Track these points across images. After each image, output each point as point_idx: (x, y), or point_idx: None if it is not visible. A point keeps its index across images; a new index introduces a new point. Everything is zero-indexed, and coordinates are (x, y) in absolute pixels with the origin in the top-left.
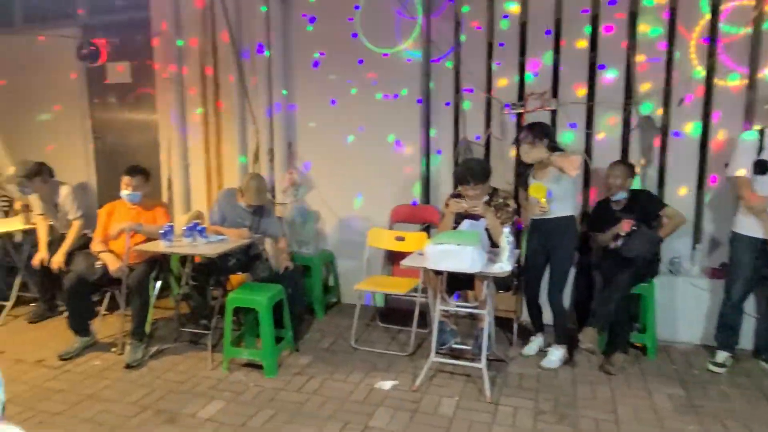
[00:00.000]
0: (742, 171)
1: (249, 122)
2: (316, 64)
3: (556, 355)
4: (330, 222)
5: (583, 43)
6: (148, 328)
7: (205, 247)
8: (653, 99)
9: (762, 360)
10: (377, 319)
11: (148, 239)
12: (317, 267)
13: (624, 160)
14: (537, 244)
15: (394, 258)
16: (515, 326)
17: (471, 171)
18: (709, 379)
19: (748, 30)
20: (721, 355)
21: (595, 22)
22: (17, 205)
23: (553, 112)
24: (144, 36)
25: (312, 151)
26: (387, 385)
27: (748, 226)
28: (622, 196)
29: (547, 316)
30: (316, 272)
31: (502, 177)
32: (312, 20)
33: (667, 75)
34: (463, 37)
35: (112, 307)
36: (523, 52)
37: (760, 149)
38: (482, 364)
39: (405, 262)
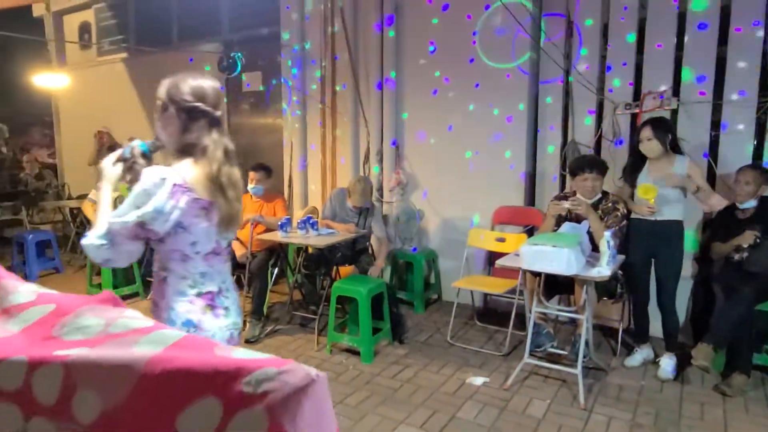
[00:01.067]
0: None
1: (362, 126)
2: (435, 91)
3: (670, 364)
4: (434, 221)
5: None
6: (265, 310)
7: (315, 239)
8: None
9: None
10: (475, 318)
11: (269, 229)
12: (419, 264)
13: (757, 164)
14: (641, 248)
15: (494, 259)
16: (620, 335)
17: (591, 160)
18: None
19: None
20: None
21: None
22: None
23: (674, 112)
24: (275, 48)
25: (419, 152)
26: (478, 381)
27: None
28: (750, 204)
29: (655, 329)
30: (418, 269)
31: (611, 180)
32: (432, 45)
33: None
34: (584, 51)
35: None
36: (641, 50)
37: None
38: (578, 370)
39: (501, 262)
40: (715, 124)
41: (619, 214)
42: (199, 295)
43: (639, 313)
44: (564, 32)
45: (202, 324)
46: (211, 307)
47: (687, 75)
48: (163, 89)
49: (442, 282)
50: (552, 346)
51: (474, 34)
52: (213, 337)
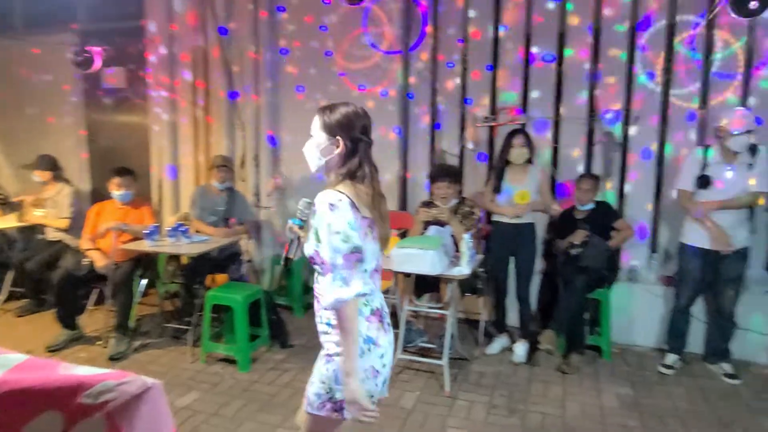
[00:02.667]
0: (685, 185)
1: (237, 128)
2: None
3: (522, 349)
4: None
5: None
6: (132, 323)
7: (187, 247)
8: (613, 115)
9: (709, 363)
10: None
11: (135, 238)
12: (298, 268)
13: (592, 173)
14: (502, 248)
15: None
16: (481, 327)
17: (445, 169)
18: (658, 380)
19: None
20: (670, 358)
21: (561, 41)
22: (29, 199)
23: (522, 126)
24: (138, 43)
25: (299, 156)
26: None
27: (694, 236)
28: (589, 206)
29: (512, 319)
30: (297, 273)
31: (473, 187)
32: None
33: (627, 95)
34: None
35: (100, 302)
36: (494, 67)
37: (704, 166)
38: (443, 361)
39: None
40: (555, 138)
41: (475, 217)
42: (372, 312)
43: (499, 306)
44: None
45: (378, 340)
46: (381, 323)
47: (534, 94)
48: (326, 122)
49: None
50: (423, 341)
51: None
52: (385, 353)
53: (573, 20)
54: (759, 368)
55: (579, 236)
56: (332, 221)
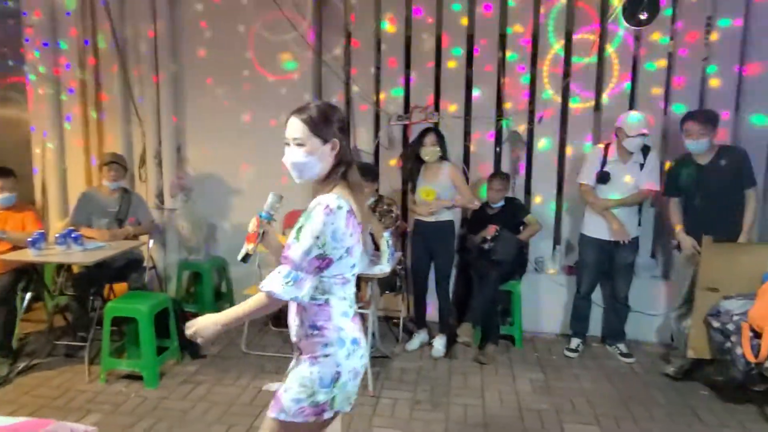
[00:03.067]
0: (586, 179)
1: (135, 124)
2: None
3: (441, 343)
4: (222, 228)
5: (453, 64)
6: (15, 344)
7: (80, 255)
8: (517, 116)
9: (607, 344)
10: (270, 323)
11: (16, 247)
12: (208, 273)
13: (502, 172)
14: (422, 245)
15: None
16: (401, 324)
17: (361, 168)
18: (564, 364)
19: (591, 59)
20: (574, 342)
21: (470, 42)
22: None
23: (435, 125)
24: (15, 27)
25: (204, 155)
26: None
27: (593, 228)
28: (500, 204)
29: (430, 314)
30: (207, 279)
31: (388, 185)
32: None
33: (531, 96)
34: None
35: None
36: (408, 65)
37: (604, 162)
38: (366, 361)
39: None
40: (467, 137)
41: (393, 215)
42: (355, 314)
43: (419, 302)
44: (343, 45)
45: (361, 342)
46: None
47: (445, 95)
48: (315, 125)
49: (235, 290)
50: None
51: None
52: (364, 353)
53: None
54: (649, 346)
55: (490, 230)
56: (319, 226)
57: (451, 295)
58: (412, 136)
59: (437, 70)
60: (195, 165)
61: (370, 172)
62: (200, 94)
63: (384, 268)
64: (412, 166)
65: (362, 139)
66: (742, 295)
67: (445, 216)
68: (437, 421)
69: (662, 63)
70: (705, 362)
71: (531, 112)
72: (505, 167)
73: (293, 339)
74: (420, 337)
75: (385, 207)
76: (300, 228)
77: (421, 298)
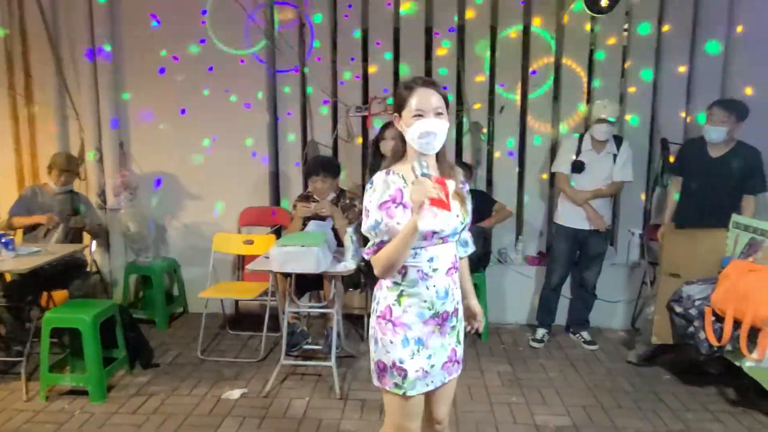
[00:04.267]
0: (562, 168)
1: (71, 117)
2: (162, 70)
3: None
4: (172, 227)
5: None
6: None
7: (12, 262)
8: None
9: (571, 333)
10: (227, 327)
11: None
12: (158, 276)
13: (465, 162)
14: None
15: (245, 263)
16: (365, 321)
17: (321, 163)
18: (531, 354)
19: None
20: (540, 332)
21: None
22: None
23: None
24: None
25: (150, 150)
26: (236, 393)
27: (567, 217)
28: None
29: None
30: (157, 282)
31: (349, 179)
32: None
33: (491, 87)
34: (317, 43)
35: None
36: (365, 58)
37: (579, 152)
38: (332, 362)
39: (250, 266)
40: None
41: (356, 210)
42: None
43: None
44: (297, 23)
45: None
46: None
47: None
48: (444, 93)
49: (188, 293)
50: (307, 343)
51: (203, 13)
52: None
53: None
54: (611, 332)
55: None
56: None
57: None
58: (372, 128)
59: (396, 62)
60: (140, 161)
61: (332, 167)
62: (144, 81)
63: (349, 264)
64: (374, 160)
65: (320, 131)
66: (703, 280)
67: None
68: None
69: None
70: (667, 347)
71: (491, 104)
72: (467, 159)
73: (455, 305)
74: None
75: (347, 201)
76: (468, 192)
77: None
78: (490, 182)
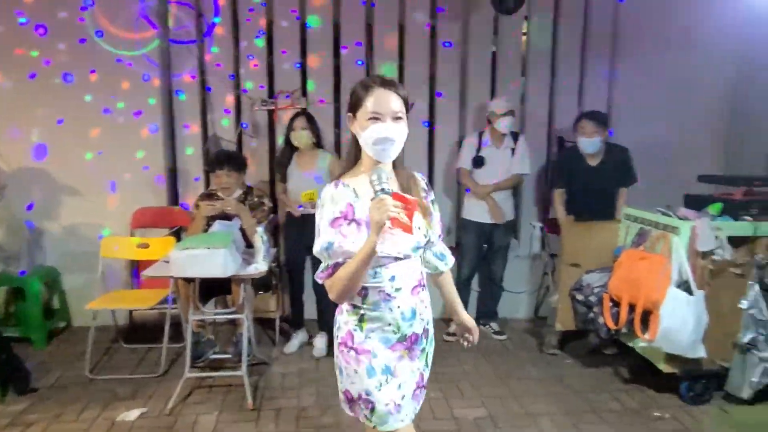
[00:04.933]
0: (464, 164)
1: None
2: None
3: (323, 342)
4: (50, 232)
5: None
6: None
7: None
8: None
9: (481, 324)
10: (120, 340)
11: None
12: (33, 288)
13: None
14: (297, 239)
15: (139, 268)
16: (277, 325)
17: (226, 156)
18: (446, 348)
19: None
20: (453, 326)
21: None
22: None
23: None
24: None
25: (19, 146)
26: (133, 414)
27: (472, 212)
28: None
29: (308, 312)
30: (32, 294)
31: (255, 175)
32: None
33: (400, 81)
34: (215, 49)
35: None
36: (270, 52)
37: (479, 148)
38: (243, 371)
39: (148, 272)
40: (338, 124)
41: (266, 208)
42: None
43: (296, 300)
44: (194, 23)
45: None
46: None
47: (311, 85)
48: (406, 99)
49: (71, 305)
50: (214, 353)
51: (83, 9)
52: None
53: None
54: (517, 322)
55: None
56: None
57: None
58: (279, 123)
59: (303, 57)
60: (9, 156)
61: (238, 161)
62: (16, 67)
63: (260, 266)
64: (283, 153)
65: (222, 126)
66: (600, 269)
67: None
68: (328, 427)
69: None
70: (568, 333)
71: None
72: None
73: (424, 325)
74: (299, 337)
75: (255, 199)
76: (433, 201)
77: (298, 295)
78: None
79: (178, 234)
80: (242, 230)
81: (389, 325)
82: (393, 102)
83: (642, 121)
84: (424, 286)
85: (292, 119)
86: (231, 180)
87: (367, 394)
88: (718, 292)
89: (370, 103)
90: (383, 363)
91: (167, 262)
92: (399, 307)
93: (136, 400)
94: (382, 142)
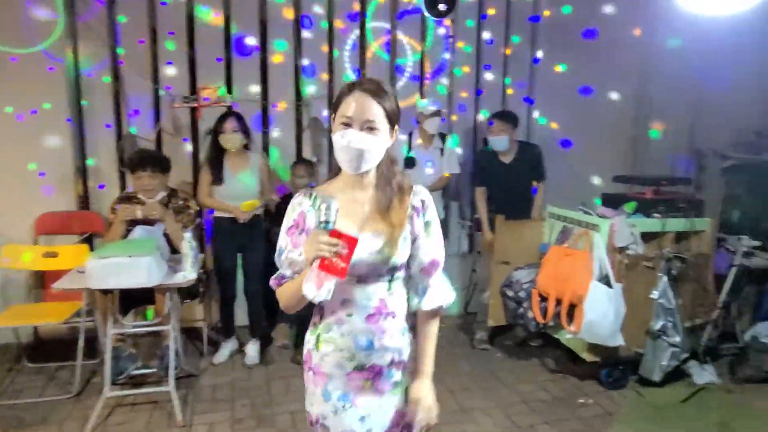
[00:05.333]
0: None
1: None
2: None
3: (255, 349)
4: None
5: (252, 41)
6: None
7: None
8: (318, 101)
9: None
10: (24, 359)
11: None
12: None
13: (306, 159)
14: (229, 245)
15: (45, 280)
16: (205, 335)
17: (149, 156)
18: None
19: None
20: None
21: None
22: None
23: (229, 108)
24: None
25: None
26: None
27: None
28: None
29: (239, 319)
30: None
31: (176, 177)
32: None
33: (330, 82)
34: (120, 50)
35: None
36: (191, 44)
37: (409, 149)
38: (170, 386)
39: (59, 285)
40: (266, 124)
41: (191, 211)
42: None
43: (227, 309)
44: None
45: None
46: None
47: (238, 78)
48: (390, 108)
49: None
50: (136, 368)
51: None
52: None
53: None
54: (448, 319)
55: None
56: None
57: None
58: (202, 121)
59: (227, 51)
60: None
61: (161, 161)
62: None
63: (188, 274)
64: (211, 155)
65: (139, 123)
66: (529, 265)
67: (255, 210)
68: None
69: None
70: (498, 328)
71: (331, 98)
72: (307, 155)
73: (393, 357)
74: (229, 346)
75: (180, 202)
76: (428, 223)
77: (229, 302)
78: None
79: (90, 241)
80: (166, 235)
81: (341, 350)
82: (369, 110)
83: (562, 124)
84: (390, 314)
85: (221, 121)
86: (154, 182)
87: (323, 418)
88: (633, 285)
89: (344, 106)
90: (340, 389)
91: (82, 272)
92: (350, 333)
93: (47, 425)
94: (346, 151)
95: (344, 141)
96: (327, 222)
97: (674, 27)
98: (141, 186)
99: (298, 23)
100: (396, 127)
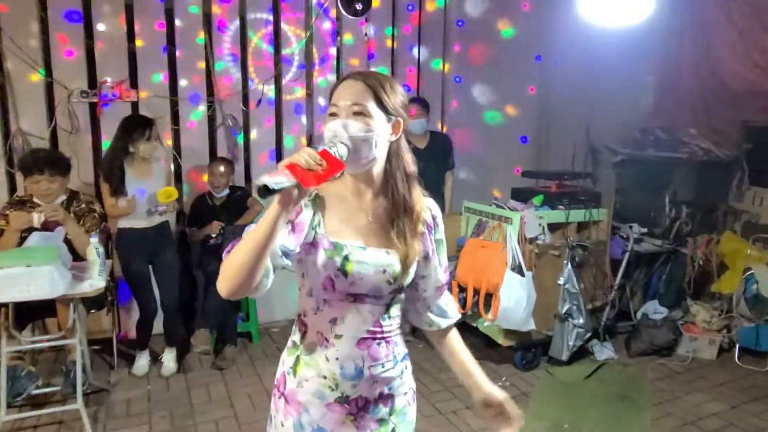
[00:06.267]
0: None
1: None
2: None
3: (171, 359)
4: None
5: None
6: None
7: None
8: (231, 100)
9: None
10: None
11: None
12: None
13: (224, 157)
14: (139, 254)
15: None
16: (114, 346)
17: (47, 157)
18: None
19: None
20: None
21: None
22: None
23: (134, 105)
24: None
25: None
26: None
27: None
28: (224, 192)
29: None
30: None
31: (76, 178)
32: None
33: (243, 80)
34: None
35: None
36: (90, 35)
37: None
38: (78, 403)
39: None
40: (176, 119)
41: (96, 215)
42: None
43: (145, 319)
44: None
45: None
46: None
47: (143, 72)
48: (388, 98)
49: None
50: (37, 387)
51: None
52: None
53: None
54: None
55: (214, 228)
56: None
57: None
58: (104, 118)
59: (131, 41)
60: None
61: (61, 162)
62: None
63: (96, 283)
64: (114, 162)
65: (30, 120)
66: (448, 257)
67: (158, 218)
68: None
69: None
70: None
71: (245, 96)
72: (222, 153)
73: (381, 390)
74: (144, 356)
75: (83, 205)
76: (440, 241)
77: (146, 311)
78: (248, 178)
79: None
80: (67, 241)
81: (324, 377)
82: (355, 93)
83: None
84: (384, 340)
85: (136, 128)
86: (54, 186)
87: None
88: (541, 272)
89: (334, 97)
90: (316, 422)
91: None
92: (337, 359)
93: None
94: (334, 143)
95: (329, 133)
96: (319, 146)
97: (569, 41)
98: (38, 191)
99: (209, 19)
100: (400, 120)
